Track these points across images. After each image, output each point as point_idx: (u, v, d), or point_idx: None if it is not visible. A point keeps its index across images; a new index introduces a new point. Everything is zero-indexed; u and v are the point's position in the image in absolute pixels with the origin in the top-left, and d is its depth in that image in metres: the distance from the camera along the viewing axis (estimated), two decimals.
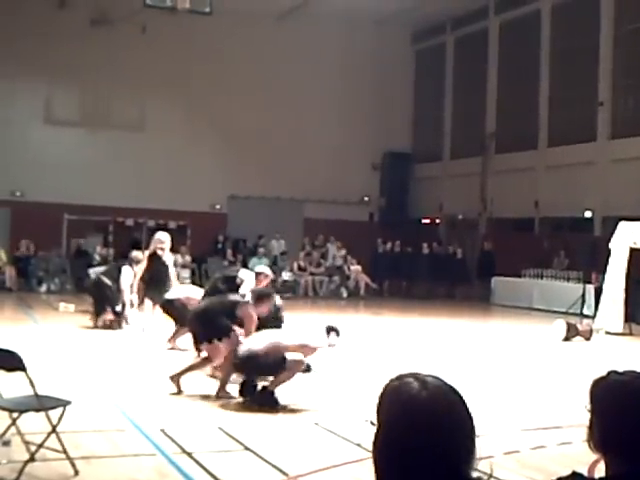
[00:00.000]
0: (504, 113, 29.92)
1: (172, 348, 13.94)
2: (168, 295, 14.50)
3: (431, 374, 2.23)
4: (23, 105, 28.78)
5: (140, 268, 16.24)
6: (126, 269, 16.75)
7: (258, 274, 12.09)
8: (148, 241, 26.68)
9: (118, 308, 16.75)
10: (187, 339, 13.23)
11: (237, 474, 6.88)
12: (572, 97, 27.12)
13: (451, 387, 2.21)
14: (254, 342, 9.79)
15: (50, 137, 28.81)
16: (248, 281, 12.37)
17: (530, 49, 28.76)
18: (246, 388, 9.83)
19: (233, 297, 11.14)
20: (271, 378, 9.77)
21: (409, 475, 2.10)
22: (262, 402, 9.58)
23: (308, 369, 10.17)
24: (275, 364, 9.60)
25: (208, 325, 10.44)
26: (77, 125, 29.29)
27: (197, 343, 10.85)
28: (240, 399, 9.80)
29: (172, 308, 14.19)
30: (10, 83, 28.26)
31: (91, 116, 29.26)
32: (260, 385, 9.90)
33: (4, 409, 6.78)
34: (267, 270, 12.44)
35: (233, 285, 11.83)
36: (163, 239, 15.96)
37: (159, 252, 15.89)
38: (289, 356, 9.66)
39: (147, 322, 15.58)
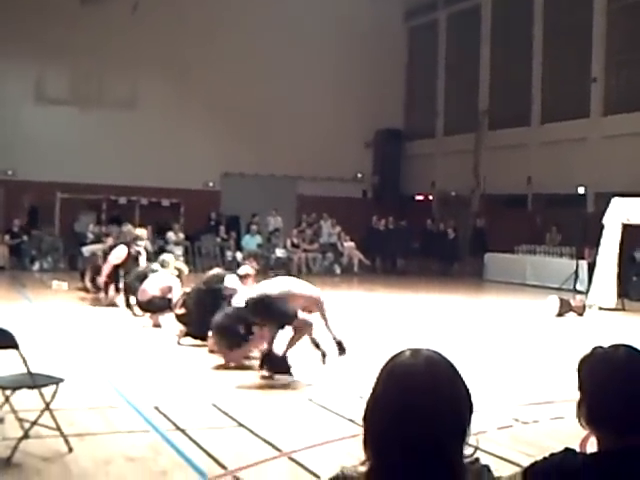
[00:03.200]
0: (497, 89, 29.82)
1: (156, 325, 14.08)
2: (142, 296, 14.51)
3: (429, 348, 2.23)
4: (14, 84, 28.59)
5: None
6: (121, 248, 16.74)
7: (242, 277, 11.92)
8: (141, 220, 26.77)
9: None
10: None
11: (231, 450, 6.89)
12: (565, 73, 27.05)
13: (446, 359, 2.20)
14: (269, 287, 9.84)
15: (42, 116, 28.64)
16: (237, 289, 12.02)
17: (523, 25, 28.62)
18: (266, 360, 9.91)
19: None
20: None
21: (391, 443, 2.10)
22: (275, 366, 9.68)
23: (324, 356, 10.22)
24: (284, 314, 9.66)
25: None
26: (69, 104, 29.10)
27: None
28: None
29: (151, 306, 14.41)
30: (0, 63, 28.07)
31: (83, 95, 29.07)
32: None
33: None
34: (249, 269, 12.24)
35: (220, 298, 11.66)
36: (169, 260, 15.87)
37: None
38: (300, 314, 9.74)
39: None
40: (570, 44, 26.90)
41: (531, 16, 28.28)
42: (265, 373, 9.95)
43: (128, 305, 15.83)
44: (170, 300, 13.93)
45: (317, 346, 10.22)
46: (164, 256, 16.09)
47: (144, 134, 29.28)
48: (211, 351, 11.36)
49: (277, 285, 9.96)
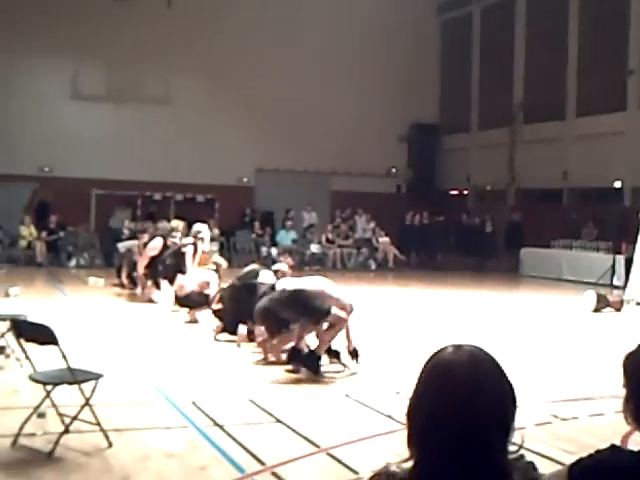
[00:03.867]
0: (532, 83, 29.61)
1: (193, 320, 14.14)
2: (180, 292, 14.62)
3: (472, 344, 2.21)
4: (50, 81, 28.83)
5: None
6: (157, 239, 16.80)
7: (276, 272, 11.99)
8: (177, 215, 26.88)
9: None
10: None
11: (268, 446, 6.91)
12: (601, 66, 26.81)
13: (489, 355, 2.19)
14: (307, 283, 9.90)
15: (77, 112, 28.87)
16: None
17: (558, 17, 28.38)
18: (294, 354, 9.94)
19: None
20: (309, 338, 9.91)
21: (435, 439, 2.09)
22: (307, 363, 9.71)
23: (356, 355, 10.27)
24: (319, 310, 9.72)
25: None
26: (104, 100, 29.33)
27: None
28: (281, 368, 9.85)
29: (188, 302, 14.53)
30: (37, 59, 28.28)
31: (118, 91, 29.29)
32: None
33: (38, 382, 6.87)
34: (283, 266, 12.32)
35: (255, 293, 11.66)
36: (202, 230, 15.99)
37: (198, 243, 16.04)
38: (333, 310, 9.76)
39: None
40: (606, 36, 26.63)
41: (566, 8, 28.03)
42: (290, 367, 9.97)
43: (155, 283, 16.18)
44: (208, 296, 14.01)
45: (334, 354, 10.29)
46: (197, 226, 16.14)
47: (179, 130, 29.42)
48: (239, 345, 11.41)
49: (312, 282, 10.01)
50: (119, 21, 28.27)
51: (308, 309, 9.77)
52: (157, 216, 24.75)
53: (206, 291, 14.18)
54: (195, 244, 15.84)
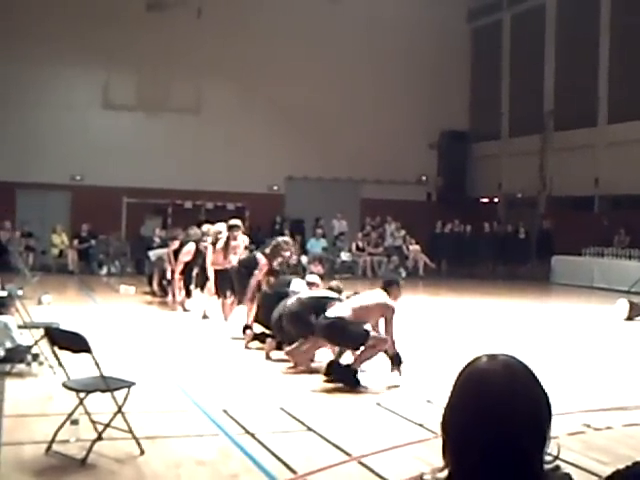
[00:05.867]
0: (563, 90, 29.45)
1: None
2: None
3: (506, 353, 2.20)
4: (82, 90, 29.05)
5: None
6: (189, 245, 16.81)
7: (310, 284, 12.00)
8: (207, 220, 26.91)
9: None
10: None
11: (300, 454, 6.92)
12: (632, 72, 26.61)
13: (523, 364, 2.18)
14: (341, 309, 9.90)
15: (109, 122, 29.07)
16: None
17: (589, 23, 28.22)
18: (332, 367, 9.92)
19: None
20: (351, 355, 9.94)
21: (470, 448, 2.08)
22: (343, 378, 9.68)
23: (399, 361, 10.16)
24: (358, 335, 9.67)
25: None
26: (135, 109, 29.52)
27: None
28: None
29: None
30: (68, 69, 28.53)
31: (148, 100, 29.46)
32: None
33: (72, 389, 6.93)
34: (317, 279, 12.32)
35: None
36: (222, 230, 16.03)
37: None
38: (372, 333, 9.73)
39: (207, 307, 15.62)
40: (637, 43, 26.44)
41: (597, 15, 27.87)
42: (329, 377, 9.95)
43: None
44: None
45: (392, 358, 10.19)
46: (218, 226, 16.07)
47: (209, 139, 29.56)
48: (267, 357, 11.40)
49: (349, 306, 9.94)
50: (150, 31, 28.46)
51: (348, 337, 9.75)
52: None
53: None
54: (215, 244, 15.66)
